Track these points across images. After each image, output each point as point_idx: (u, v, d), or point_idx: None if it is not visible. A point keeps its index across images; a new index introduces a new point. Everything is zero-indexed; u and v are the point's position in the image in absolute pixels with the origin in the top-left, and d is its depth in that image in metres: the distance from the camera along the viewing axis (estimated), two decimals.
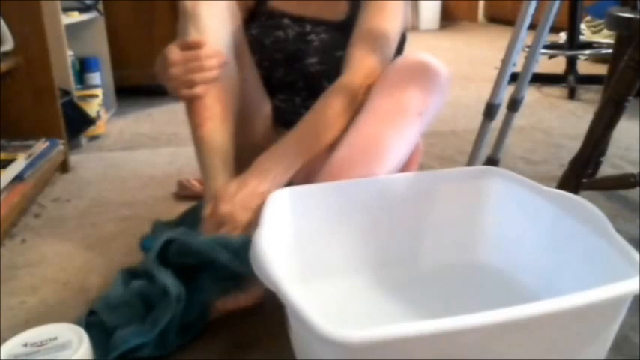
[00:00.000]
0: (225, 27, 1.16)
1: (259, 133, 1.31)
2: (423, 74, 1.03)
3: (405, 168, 1.10)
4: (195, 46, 1.07)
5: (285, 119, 1.32)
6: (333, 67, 1.21)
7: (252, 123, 1.28)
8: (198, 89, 1.07)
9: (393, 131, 1.02)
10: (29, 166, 1.63)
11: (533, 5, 1.58)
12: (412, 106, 1.02)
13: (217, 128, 1.11)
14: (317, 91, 1.25)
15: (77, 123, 2.10)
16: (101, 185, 1.78)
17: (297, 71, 1.28)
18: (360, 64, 1.12)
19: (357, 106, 1.08)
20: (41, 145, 1.75)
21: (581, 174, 1.34)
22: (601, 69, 2.85)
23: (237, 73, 1.19)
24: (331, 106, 1.09)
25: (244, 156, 1.19)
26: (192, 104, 1.10)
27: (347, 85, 1.10)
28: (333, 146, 1.07)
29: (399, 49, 1.28)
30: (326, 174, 1.03)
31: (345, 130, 1.07)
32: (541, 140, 2.21)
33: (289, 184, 1.06)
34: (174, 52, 1.07)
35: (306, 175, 1.09)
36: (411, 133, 1.04)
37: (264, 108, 1.31)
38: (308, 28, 1.27)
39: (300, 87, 1.30)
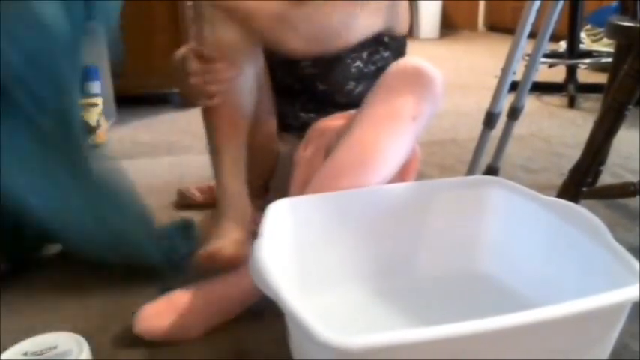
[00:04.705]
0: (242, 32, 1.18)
1: (265, 136, 1.33)
2: (416, 79, 1.04)
3: (402, 174, 1.11)
4: (209, 59, 1.11)
5: (285, 123, 1.34)
6: (325, 70, 1.24)
7: (260, 127, 1.31)
8: (215, 99, 1.14)
9: (387, 136, 1.02)
10: None
11: (533, 14, 1.59)
12: (406, 110, 1.03)
13: (231, 135, 1.18)
14: (313, 93, 1.28)
15: None
16: None
17: (292, 75, 1.31)
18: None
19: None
20: None
21: (580, 183, 1.34)
22: (601, 77, 2.85)
23: (253, 80, 1.23)
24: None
25: (249, 156, 1.21)
26: (208, 113, 1.18)
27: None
28: (328, 152, 1.09)
29: (400, 53, 1.29)
30: (321, 179, 1.04)
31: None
32: (541, 149, 2.21)
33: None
34: (192, 62, 1.12)
35: (301, 181, 1.10)
36: (405, 138, 1.05)
37: (272, 114, 1.35)
38: None
39: (298, 90, 1.32)
